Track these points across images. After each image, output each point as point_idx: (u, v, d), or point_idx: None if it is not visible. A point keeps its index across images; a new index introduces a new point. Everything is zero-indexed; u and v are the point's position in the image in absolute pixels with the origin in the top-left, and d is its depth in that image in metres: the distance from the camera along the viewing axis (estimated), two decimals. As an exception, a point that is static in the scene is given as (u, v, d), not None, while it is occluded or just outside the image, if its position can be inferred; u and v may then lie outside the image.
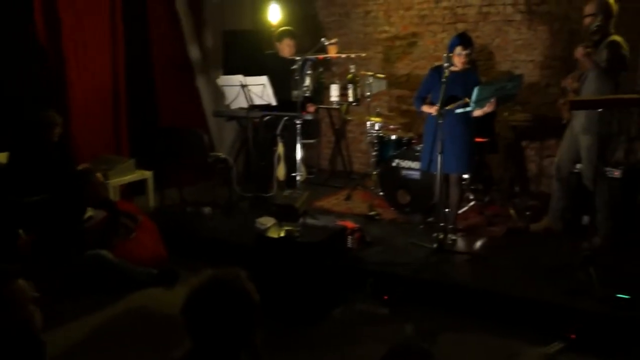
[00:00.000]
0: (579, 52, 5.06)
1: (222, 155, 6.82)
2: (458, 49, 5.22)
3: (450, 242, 5.52)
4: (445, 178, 5.46)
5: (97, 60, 6.61)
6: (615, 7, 5.16)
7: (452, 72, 5.17)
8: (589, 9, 5.23)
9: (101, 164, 6.11)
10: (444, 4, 7.72)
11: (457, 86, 5.20)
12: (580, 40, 5.29)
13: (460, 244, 5.57)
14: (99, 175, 5.34)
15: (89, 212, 5.28)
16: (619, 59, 5.02)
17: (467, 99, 5.05)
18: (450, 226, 5.63)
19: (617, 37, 5.10)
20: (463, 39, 5.26)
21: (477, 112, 5.15)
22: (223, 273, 2.11)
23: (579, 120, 5.31)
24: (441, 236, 5.27)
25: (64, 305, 4.47)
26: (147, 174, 6.64)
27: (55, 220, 4.89)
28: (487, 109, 5.11)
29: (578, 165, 5.55)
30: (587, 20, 5.20)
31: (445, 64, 5.05)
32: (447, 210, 5.59)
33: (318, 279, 4.46)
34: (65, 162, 5.66)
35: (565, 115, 5.54)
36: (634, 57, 5.66)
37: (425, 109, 5.38)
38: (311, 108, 6.69)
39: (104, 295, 4.67)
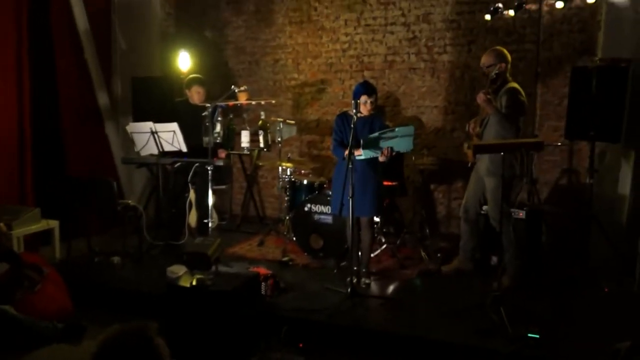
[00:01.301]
0: (480, 98, 5.28)
1: (131, 202, 6.67)
2: (363, 98, 5.36)
3: (364, 285, 5.57)
4: (357, 222, 5.53)
5: (1, 108, 6.40)
6: (509, 56, 5.45)
7: (359, 118, 5.29)
8: (488, 59, 5.48)
9: (4, 214, 5.84)
10: (351, 52, 7.94)
11: (365, 131, 5.36)
12: (481, 87, 5.53)
13: (374, 287, 5.61)
14: (1, 225, 5.12)
15: (-9, 266, 5.04)
16: (517, 104, 5.30)
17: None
18: (364, 270, 5.69)
19: (514, 84, 5.40)
20: (367, 88, 5.42)
21: (381, 158, 5.26)
22: (131, 328, 2.01)
23: (483, 163, 5.50)
24: (355, 280, 5.31)
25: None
26: (53, 224, 6.38)
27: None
28: (382, 158, 5.24)
29: (484, 207, 5.73)
30: (489, 69, 5.44)
31: (354, 111, 5.14)
32: (359, 253, 5.65)
33: (232, 328, 4.39)
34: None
35: (470, 159, 5.73)
36: (530, 102, 5.98)
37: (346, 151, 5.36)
38: (222, 154, 6.67)
39: (6, 353, 4.43)
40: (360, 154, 5.27)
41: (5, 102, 6.45)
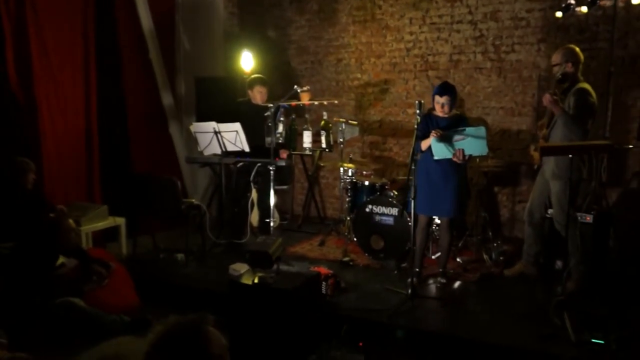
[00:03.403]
0: (546, 99, 5.15)
1: (195, 201, 6.77)
2: (436, 98, 5.33)
3: (439, 285, 5.59)
4: (428, 222, 5.62)
5: (70, 108, 6.62)
6: (581, 55, 5.27)
7: (441, 118, 5.36)
8: (555, 58, 5.35)
9: (74, 211, 6.03)
10: (415, 52, 7.86)
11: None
12: (549, 88, 5.38)
13: (435, 289, 5.55)
14: (71, 221, 5.26)
15: (61, 259, 5.19)
16: (586, 106, 5.11)
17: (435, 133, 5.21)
18: (441, 269, 5.69)
19: (584, 85, 5.20)
20: (440, 89, 5.37)
21: (455, 159, 5.20)
22: (187, 320, 2.03)
23: (549, 166, 5.37)
24: (415, 281, 5.28)
25: (33, 355, 4.34)
26: (120, 221, 6.56)
27: (25, 267, 4.78)
28: (455, 159, 5.20)
29: (550, 211, 5.59)
30: (555, 69, 5.31)
31: (417, 111, 5.14)
32: (438, 254, 5.74)
33: (292, 326, 4.40)
34: (38, 210, 5.58)
35: (537, 161, 5.60)
36: (602, 103, 5.78)
37: (424, 143, 5.37)
38: (284, 154, 6.70)
39: (75, 344, 4.54)
40: (430, 141, 5.27)
41: (73, 102, 6.67)
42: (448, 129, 5.26)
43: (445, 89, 5.36)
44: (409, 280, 5.21)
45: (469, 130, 5.13)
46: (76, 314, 4.71)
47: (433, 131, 5.21)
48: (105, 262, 5.31)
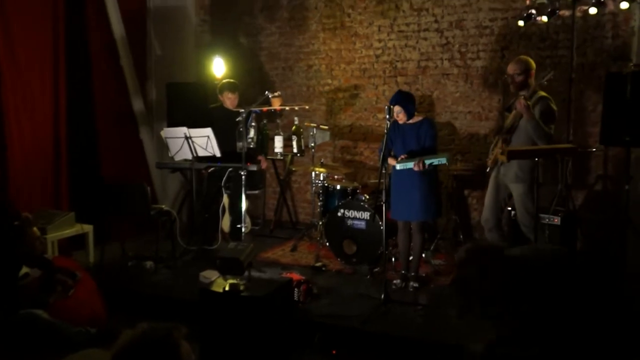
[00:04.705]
0: (521, 104, 5.24)
1: (165, 207, 6.73)
2: (391, 108, 5.38)
3: (411, 289, 5.61)
4: (403, 227, 5.65)
5: (38, 113, 6.53)
6: (534, 63, 5.53)
7: (406, 124, 5.46)
8: (515, 67, 5.53)
9: (39, 218, 5.87)
10: (384, 58, 7.91)
11: (412, 138, 5.45)
12: (514, 94, 5.52)
13: (408, 293, 5.57)
14: (35, 229, 5.16)
15: (25, 269, 5.07)
16: (551, 112, 5.36)
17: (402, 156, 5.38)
18: (412, 274, 5.70)
19: (544, 93, 5.46)
20: (391, 99, 5.47)
21: (415, 168, 5.25)
22: (156, 329, 1.96)
23: (511, 169, 5.47)
24: (400, 284, 5.48)
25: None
26: (87, 228, 6.45)
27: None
28: (415, 168, 5.24)
29: (504, 213, 5.70)
30: (519, 79, 5.47)
31: (387, 116, 5.19)
32: (410, 258, 5.72)
33: (264, 334, 4.39)
34: (1, 217, 5.43)
35: (490, 163, 5.71)
36: (564, 108, 5.95)
37: (390, 161, 5.50)
38: (264, 163, 6.71)
39: (39, 357, 4.46)
40: (394, 164, 5.39)
41: (41, 107, 6.58)
42: (413, 135, 5.42)
43: (395, 99, 5.46)
44: (395, 282, 5.52)
45: (432, 159, 5.26)
46: (40, 326, 4.58)
47: (400, 158, 5.37)
48: (71, 271, 5.13)
